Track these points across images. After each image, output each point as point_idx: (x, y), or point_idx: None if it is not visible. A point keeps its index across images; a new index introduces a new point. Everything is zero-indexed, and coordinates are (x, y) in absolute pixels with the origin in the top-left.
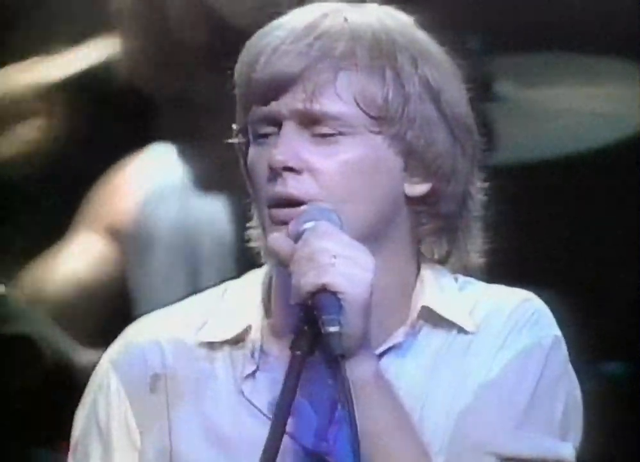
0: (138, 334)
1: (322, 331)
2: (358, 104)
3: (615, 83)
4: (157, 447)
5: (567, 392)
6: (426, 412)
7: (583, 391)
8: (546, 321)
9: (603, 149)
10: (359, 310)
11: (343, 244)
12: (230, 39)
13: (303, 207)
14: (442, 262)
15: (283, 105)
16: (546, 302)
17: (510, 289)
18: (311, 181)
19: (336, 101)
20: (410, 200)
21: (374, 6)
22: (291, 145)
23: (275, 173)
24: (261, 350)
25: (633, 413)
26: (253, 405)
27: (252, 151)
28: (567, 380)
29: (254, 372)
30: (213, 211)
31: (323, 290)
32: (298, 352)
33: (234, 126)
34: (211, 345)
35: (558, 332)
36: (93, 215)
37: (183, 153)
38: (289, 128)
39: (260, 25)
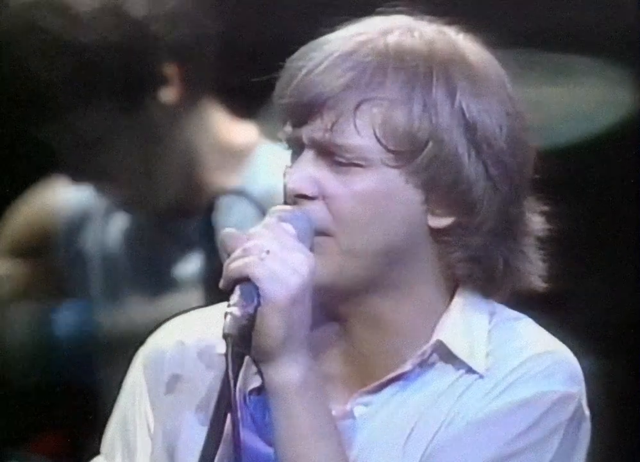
0: (169, 333)
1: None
2: (377, 137)
3: (593, 81)
4: (165, 445)
5: (563, 448)
6: (410, 443)
7: None
8: (560, 377)
9: (577, 147)
10: (277, 309)
11: (282, 244)
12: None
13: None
14: (487, 292)
15: (304, 133)
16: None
17: (542, 337)
18: (323, 207)
19: (353, 134)
20: (434, 231)
21: (434, 27)
22: (306, 173)
23: (291, 199)
24: None
25: (633, 413)
26: (254, 421)
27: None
28: (562, 438)
29: (258, 388)
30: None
31: (246, 280)
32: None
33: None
34: None
35: (573, 390)
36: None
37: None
38: (308, 155)
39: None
